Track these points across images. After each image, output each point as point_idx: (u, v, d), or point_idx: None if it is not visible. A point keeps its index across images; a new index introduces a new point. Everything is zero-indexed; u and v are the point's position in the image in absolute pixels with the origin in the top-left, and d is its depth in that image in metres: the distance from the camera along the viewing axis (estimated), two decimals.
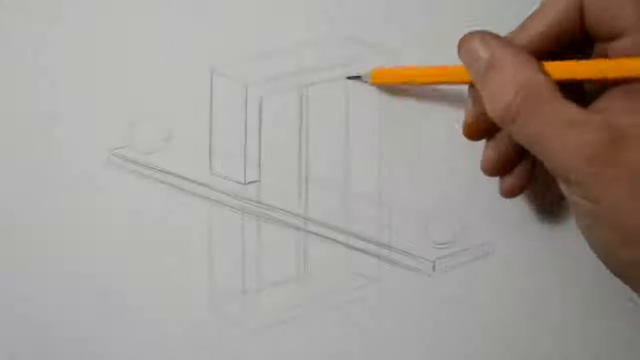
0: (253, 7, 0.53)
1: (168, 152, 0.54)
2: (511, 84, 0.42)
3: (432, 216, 0.53)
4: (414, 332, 0.53)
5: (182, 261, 0.53)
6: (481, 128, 0.48)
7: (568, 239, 0.53)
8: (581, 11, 0.44)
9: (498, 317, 0.53)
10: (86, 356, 0.53)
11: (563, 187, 0.43)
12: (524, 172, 0.49)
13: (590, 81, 0.45)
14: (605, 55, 0.44)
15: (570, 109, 0.41)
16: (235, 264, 0.53)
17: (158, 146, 0.54)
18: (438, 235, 0.53)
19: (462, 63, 0.46)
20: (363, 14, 0.53)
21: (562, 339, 0.53)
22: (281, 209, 0.53)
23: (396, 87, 0.52)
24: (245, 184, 0.53)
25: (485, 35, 0.44)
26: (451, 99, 0.52)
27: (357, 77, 0.52)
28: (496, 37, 0.45)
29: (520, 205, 0.53)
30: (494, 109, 0.43)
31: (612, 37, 0.43)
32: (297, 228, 0.53)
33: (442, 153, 0.53)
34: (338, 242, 0.53)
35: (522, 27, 0.46)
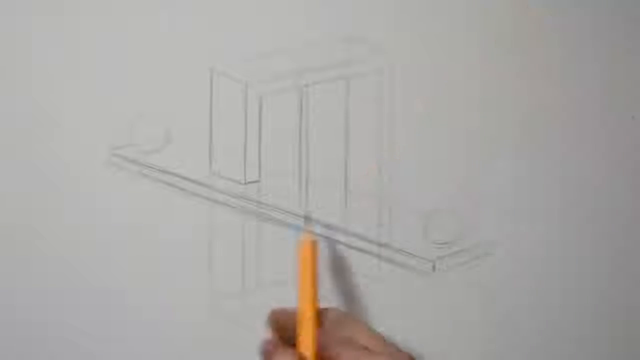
0: (253, 7, 0.53)
1: (168, 152, 0.53)
2: None
3: (432, 216, 0.53)
4: (414, 332, 0.53)
5: (182, 261, 0.53)
6: None
7: (568, 239, 0.53)
8: None
9: (498, 317, 0.53)
10: (86, 356, 0.53)
11: None
12: None
13: None
14: None
15: None
16: (235, 264, 0.53)
17: (158, 146, 0.54)
18: (438, 235, 0.53)
19: None
20: (363, 14, 0.53)
21: (563, 338, 0.53)
22: (281, 209, 0.53)
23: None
24: (245, 184, 0.53)
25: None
26: (451, 99, 0.52)
27: None
28: None
29: (520, 205, 0.53)
30: None
31: None
32: (297, 228, 0.53)
33: (442, 153, 0.53)
34: (338, 242, 0.53)
35: None
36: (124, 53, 0.53)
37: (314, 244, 0.50)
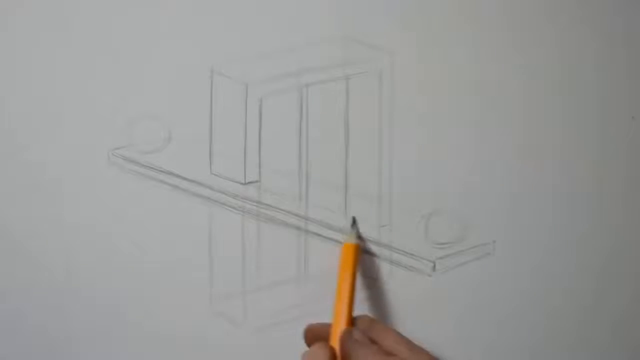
0: (253, 7, 0.53)
1: (168, 152, 0.54)
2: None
3: (432, 216, 0.53)
4: (414, 332, 0.53)
5: (182, 261, 0.53)
6: None
7: (568, 239, 0.53)
8: None
9: (498, 317, 0.53)
10: (86, 356, 0.53)
11: None
12: None
13: None
14: None
15: None
16: (235, 264, 0.53)
17: (158, 146, 0.54)
18: (438, 235, 0.53)
19: None
20: (363, 14, 0.53)
21: (563, 338, 0.53)
22: (281, 209, 0.53)
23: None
24: (245, 184, 0.53)
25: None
26: (451, 99, 0.52)
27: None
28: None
29: (520, 205, 0.53)
30: None
31: None
32: (297, 228, 0.53)
33: (442, 153, 0.53)
34: (338, 242, 0.53)
35: None
36: (124, 53, 0.53)
37: (356, 248, 0.51)
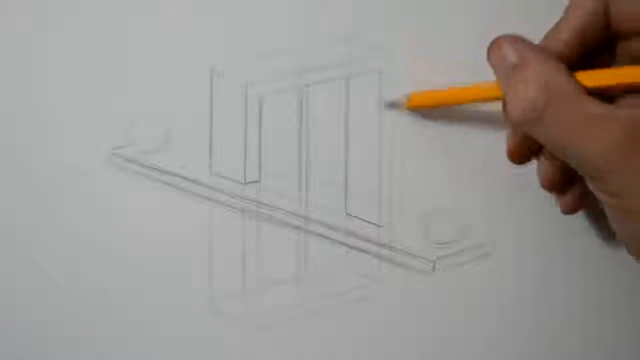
0: (253, 7, 0.53)
1: (168, 152, 0.53)
2: (536, 81, 0.42)
3: (432, 216, 0.53)
4: (414, 332, 0.53)
5: (182, 261, 0.53)
6: (525, 153, 0.48)
7: (569, 239, 0.53)
8: (606, 9, 0.44)
9: (498, 317, 0.53)
10: (86, 356, 0.53)
11: (591, 185, 0.43)
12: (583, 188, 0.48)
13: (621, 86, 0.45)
14: (629, 54, 0.44)
15: (596, 106, 0.41)
16: (235, 264, 0.53)
17: (158, 146, 0.54)
18: (438, 235, 0.53)
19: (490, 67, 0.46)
20: (363, 14, 0.53)
21: (563, 339, 0.53)
22: (281, 209, 0.53)
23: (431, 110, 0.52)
24: (245, 184, 0.53)
25: (515, 39, 0.45)
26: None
27: (393, 105, 0.52)
28: (525, 41, 0.45)
29: (520, 205, 0.53)
30: (518, 108, 0.43)
31: (638, 33, 0.44)
32: (297, 228, 0.53)
33: (442, 153, 0.53)
34: (338, 242, 0.53)
35: (547, 36, 0.46)
36: (123, 53, 0.53)
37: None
